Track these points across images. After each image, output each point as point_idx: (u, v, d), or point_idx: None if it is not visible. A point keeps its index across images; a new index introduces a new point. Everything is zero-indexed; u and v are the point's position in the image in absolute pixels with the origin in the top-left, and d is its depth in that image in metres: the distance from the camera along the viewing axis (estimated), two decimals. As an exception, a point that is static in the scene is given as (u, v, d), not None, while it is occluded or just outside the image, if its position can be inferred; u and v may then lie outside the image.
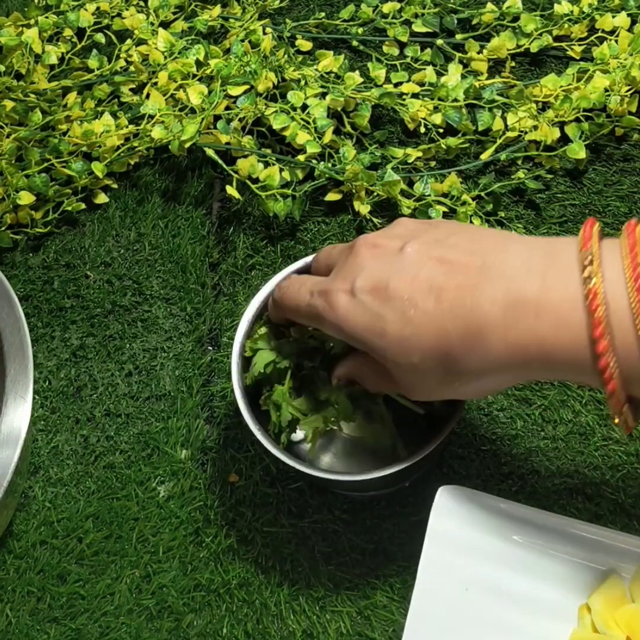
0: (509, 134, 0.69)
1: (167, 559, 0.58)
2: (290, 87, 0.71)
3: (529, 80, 0.73)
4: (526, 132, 0.69)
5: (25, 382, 0.56)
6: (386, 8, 0.76)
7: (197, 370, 0.64)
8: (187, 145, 0.67)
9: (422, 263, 0.44)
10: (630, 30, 0.72)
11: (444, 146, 0.69)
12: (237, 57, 0.70)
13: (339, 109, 0.71)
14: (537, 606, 0.50)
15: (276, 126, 0.69)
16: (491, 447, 0.59)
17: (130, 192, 0.71)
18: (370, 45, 0.76)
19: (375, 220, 0.67)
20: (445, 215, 0.66)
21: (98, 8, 0.78)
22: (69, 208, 0.69)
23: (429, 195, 0.67)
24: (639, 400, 0.42)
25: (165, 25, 0.76)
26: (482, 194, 0.67)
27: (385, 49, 0.76)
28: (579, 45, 0.73)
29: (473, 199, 0.66)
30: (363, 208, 0.67)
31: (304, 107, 0.70)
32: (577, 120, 0.69)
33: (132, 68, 0.73)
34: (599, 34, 0.73)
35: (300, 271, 0.55)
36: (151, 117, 0.69)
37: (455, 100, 0.70)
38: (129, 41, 0.75)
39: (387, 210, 0.68)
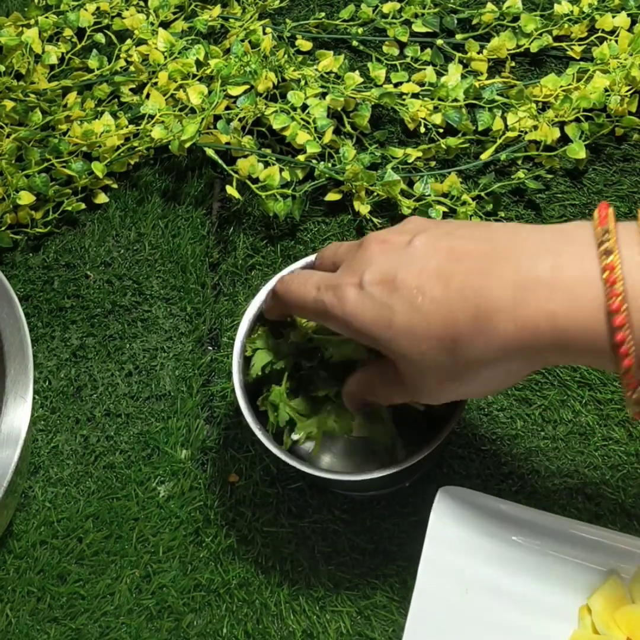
0: (509, 134, 0.69)
1: (167, 559, 0.58)
2: (290, 87, 0.71)
3: (529, 80, 0.73)
4: (526, 132, 0.69)
5: (25, 382, 0.56)
6: (386, 8, 0.76)
7: (197, 370, 0.64)
8: (187, 145, 0.67)
9: (431, 254, 0.44)
10: (630, 30, 0.72)
11: (444, 146, 0.69)
12: (237, 57, 0.70)
13: (339, 109, 0.71)
14: (537, 607, 0.51)
15: (276, 126, 0.69)
16: (491, 447, 0.59)
17: (130, 192, 0.71)
18: (370, 45, 0.76)
19: (375, 220, 0.67)
20: (445, 215, 0.66)
21: (98, 8, 0.78)
22: (69, 208, 0.69)
23: (429, 195, 0.67)
24: None
25: (165, 25, 0.76)
26: (482, 194, 0.67)
27: (385, 49, 0.76)
28: (579, 45, 0.73)
29: (473, 199, 0.66)
30: (363, 208, 0.67)
31: (304, 107, 0.70)
32: (577, 120, 0.69)
33: (132, 68, 0.73)
34: (599, 34, 0.73)
35: None
36: (151, 117, 0.69)
37: (455, 100, 0.70)
38: (129, 41, 0.75)
39: (387, 210, 0.68)
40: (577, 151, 0.67)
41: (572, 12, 0.73)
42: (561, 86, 0.70)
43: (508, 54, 0.73)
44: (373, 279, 0.44)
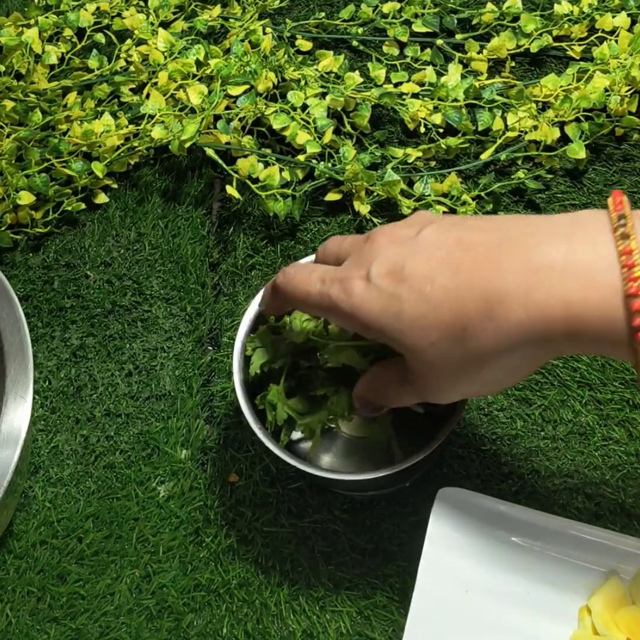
0: (509, 134, 0.69)
1: (167, 559, 0.58)
2: (290, 87, 0.71)
3: (529, 80, 0.73)
4: (526, 132, 0.69)
5: (25, 382, 0.56)
6: (386, 8, 0.76)
7: (197, 370, 0.64)
8: (187, 145, 0.67)
9: (440, 244, 0.43)
10: (630, 30, 0.72)
11: (444, 146, 0.69)
12: (237, 57, 0.70)
13: (339, 109, 0.71)
14: (537, 608, 0.51)
15: (276, 126, 0.69)
16: (491, 447, 0.59)
17: (130, 192, 0.71)
18: (370, 45, 0.76)
19: (375, 220, 0.67)
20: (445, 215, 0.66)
21: (98, 8, 0.78)
22: (69, 208, 0.69)
23: (429, 195, 0.67)
24: None
25: (165, 25, 0.76)
26: (482, 194, 0.67)
27: (385, 49, 0.76)
28: (579, 45, 0.73)
29: (473, 199, 0.66)
30: (363, 208, 0.67)
31: (304, 107, 0.70)
32: (577, 120, 0.69)
33: (132, 68, 0.73)
34: (599, 34, 0.73)
35: None
36: (151, 117, 0.69)
37: (455, 100, 0.70)
38: (129, 41, 0.75)
39: (387, 210, 0.68)
40: (577, 151, 0.67)
41: (572, 12, 0.73)
42: (561, 86, 0.70)
43: (508, 54, 0.73)
44: (381, 271, 0.43)
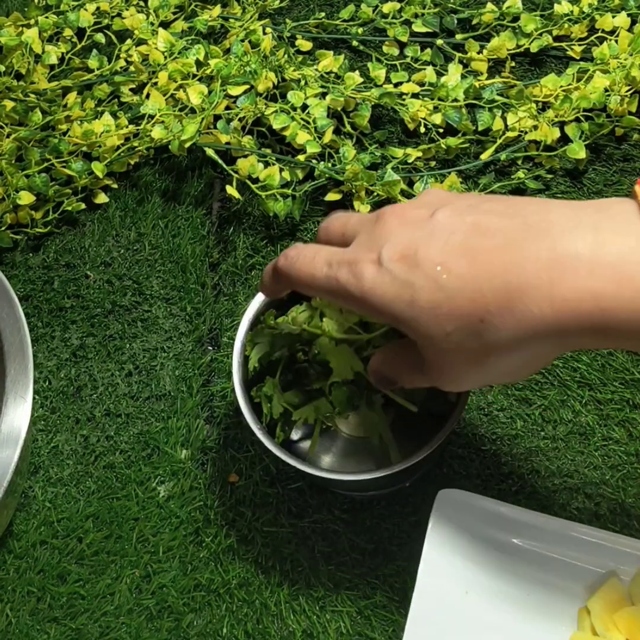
0: (509, 134, 0.69)
1: (167, 559, 0.58)
2: (290, 87, 0.71)
3: (529, 80, 0.73)
4: (526, 132, 0.69)
5: (25, 382, 0.56)
6: (386, 8, 0.76)
7: (197, 370, 0.64)
8: (187, 145, 0.67)
9: (455, 228, 0.41)
10: (630, 30, 0.72)
11: (444, 146, 0.69)
12: (237, 57, 0.70)
13: (339, 109, 0.71)
14: (537, 609, 0.51)
15: (276, 126, 0.69)
16: (491, 447, 0.59)
17: (130, 192, 0.71)
18: (370, 45, 0.76)
19: (375, 220, 0.67)
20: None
21: (98, 8, 0.78)
22: (69, 208, 0.69)
23: (429, 195, 0.67)
24: None
25: (165, 25, 0.76)
26: (482, 194, 0.67)
27: (385, 49, 0.76)
28: (579, 45, 0.73)
29: (473, 199, 0.66)
30: (363, 208, 0.67)
31: (304, 107, 0.70)
32: (577, 120, 0.69)
33: (132, 68, 0.73)
34: (599, 34, 0.73)
35: None
36: (151, 117, 0.69)
37: (455, 100, 0.70)
38: (129, 41, 0.75)
39: (387, 210, 0.68)
40: (577, 151, 0.67)
41: (572, 12, 0.73)
42: (561, 86, 0.70)
43: (508, 54, 0.73)
44: (392, 254, 0.41)
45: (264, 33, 0.74)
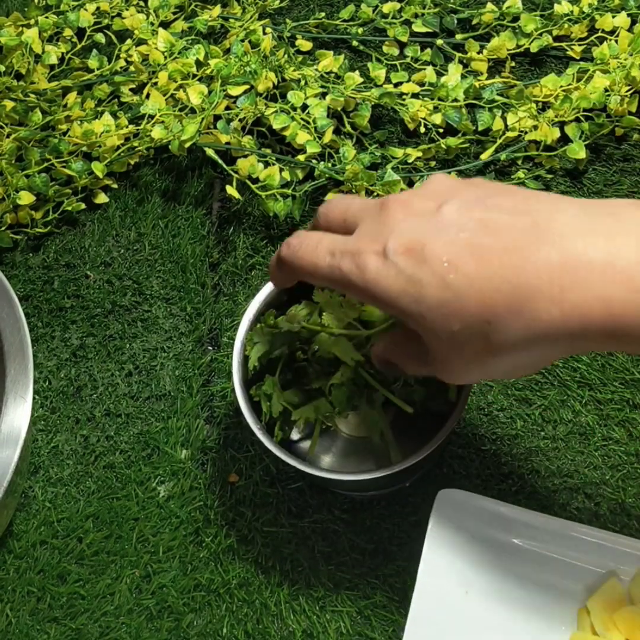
0: (509, 134, 0.69)
1: (167, 559, 0.58)
2: (290, 87, 0.71)
3: (529, 80, 0.73)
4: (526, 132, 0.69)
5: (25, 382, 0.56)
6: (386, 8, 0.76)
7: (197, 370, 0.64)
8: (187, 145, 0.67)
9: (462, 224, 0.40)
10: (630, 30, 0.72)
11: (444, 146, 0.69)
12: (237, 57, 0.70)
13: (339, 109, 0.71)
14: (537, 609, 0.51)
15: (276, 126, 0.69)
16: (491, 447, 0.59)
17: (130, 192, 0.71)
18: (370, 45, 0.76)
19: (375, 220, 0.67)
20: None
21: (98, 8, 0.78)
22: (69, 208, 0.69)
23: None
24: None
25: (165, 25, 0.76)
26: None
27: (385, 49, 0.76)
28: (579, 45, 0.73)
29: (473, 199, 0.66)
30: (363, 208, 0.67)
31: (304, 107, 0.70)
32: (577, 120, 0.69)
33: (132, 68, 0.73)
34: (599, 34, 0.73)
35: None
36: (151, 117, 0.69)
37: (455, 100, 0.70)
38: (129, 41, 0.75)
39: (387, 210, 0.68)
40: (577, 151, 0.67)
41: (572, 12, 0.73)
42: (561, 86, 0.70)
43: (508, 54, 0.73)
44: (398, 247, 0.41)
45: (264, 33, 0.74)
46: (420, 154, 0.69)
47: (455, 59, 0.74)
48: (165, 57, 0.72)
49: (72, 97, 0.72)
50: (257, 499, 0.59)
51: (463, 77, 0.71)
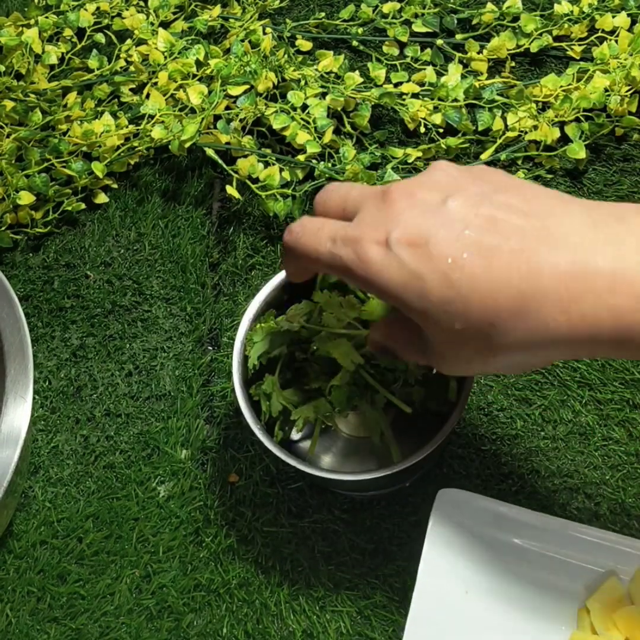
0: (509, 134, 0.69)
1: (167, 559, 0.58)
2: (290, 87, 0.71)
3: (529, 80, 0.73)
4: (526, 132, 0.69)
5: (25, 382, 0.56)
6: (386, 8, 0.76)
7: (197, 370, 0.64)
8: (187, 145, 0.67)
9: (468, 220, 0.39)
10: (630, 30, 0.72)
11: (444, 146, 0.69)
12: (237, 57, 0.70)
13: (339, 109, 0.71)
14: (537, 608, 0.51)
15: (276, 126, 0.69)
16: (491, 447, 0.59)
17: (130, 192, 0.71)
18: (370, 45, 0.76)
19: (375, 220, 0.67)
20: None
21: (98, 8, 0.78)
22: (69, 208, 0.69)
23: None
24: None
25: (165, 25, 0.76)
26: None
27: (385, 49, 0.76)
28: (579, 45, 0.73)
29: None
30: (363, 208, 0.67)
31: (304, 107, 0.70)
32: (577, 120, 0.69)
33: (132, 68, 0.73)
34: (599, 34, 0.73)
35: None
36: (151, 117, 0.69)
37: (455, 100, 0.70)
38: (129, 41, 0.75)
39: (387, 210, 0.68)
40: (577, 151, 0.67)
41: (572, 12, 0.73)
42: (561, 86, 0.70)
43: (508, 54, 0.73)
44: (401, 238, 0.40)
45: (264, 33, 0.74)
46: (420, 154, 0.69)
47: (455, 59, 0.74)
48: (165, 57, 0.72)
49: (72, 97, 0.72)
50: (257, 499, 0.59)
51: (463, 77, 0.71)
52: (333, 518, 0.58)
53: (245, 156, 0.68)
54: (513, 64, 0.74)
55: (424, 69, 0.73)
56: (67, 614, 0.57)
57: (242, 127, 0.70)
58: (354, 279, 0.42)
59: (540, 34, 0.73)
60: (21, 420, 0.54)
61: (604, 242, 0.38)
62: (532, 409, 0.60)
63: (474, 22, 0.75)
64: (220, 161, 0.67)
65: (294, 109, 0.70)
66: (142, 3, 0.78)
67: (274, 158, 0.68)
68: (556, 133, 0.68)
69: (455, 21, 0.76)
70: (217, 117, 0.70)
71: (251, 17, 0.75)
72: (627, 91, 0.68)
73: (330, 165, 0.68)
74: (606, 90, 0.68)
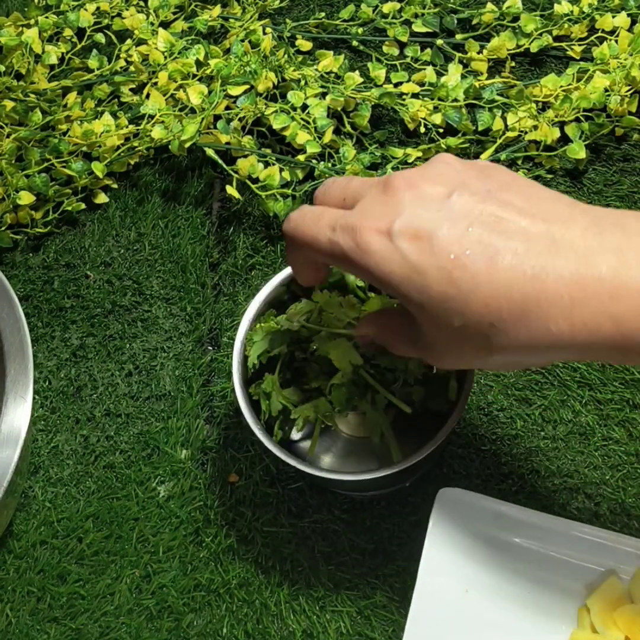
0: (509, 134, 0.69)
1: (167, 559, 0.58)
2: (290, 87, 0.71)
3: (529, 80, 0.73)
4: (526, 132, 0.69)
5: (25, 382, 0.56)
6: (386, 8, 0.76)
7: (197, 370, 0.64)
8: (187, 145, 0.67)
9: (473, 217, 0.39)
10: (630, 30, 0.72)
11: (444, 146, 0.69)
12: (237, 57, 0.70)
13: (339, 109, 0.71)
14: (537, 607, 0.51)
15: (276, 126, 0.69)
16: (491, 447, 0.59)
17: (130, 192, 0.71)
18: (370, 45, 0.76)
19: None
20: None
21: (98, 8, 0.78)
22: (69, 208, 0.69)
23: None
24: None
25: (165, 25, 0.76)
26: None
27: (385, 49, 0.76)
28: (579, 45, 0.73)
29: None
30: (363, 208, 0.67)
31: (304, 107, 0.70)
32: (577, 120, 0.69)
33: (132, 68, 0.73)
34: (599, 34, 0.73)
35: None
36: (151, 117, 0.69)
37: (455, 100, 0.70)
38: (129, 41, 0.75)
39: (387, 210, 0.68)
40: (577, 151, 0.67)
41: (572, 12, 0.73)
42: (561, 86, 0.70)
43: (508, 54, 0.73)
44: (404, 230, 0.39)
45: (264, 33, 0.74)
46: (420, 154, 0.69)
47: (455, 59, 0.74)
48: (165, 57, 0.72)
49: (72, 97, 0.72)
50: (257, 499, 0.59)
51: (463, 77, 0.71)
52: (333, 518, 0.58)
53: (245, 156, 0.68)
54: (513, 64, 0.74)
55: (424, 69, 0.73)
56: (67, 614, 0.57)
57: (242, 127, 0.70)
58: (353, 267, 0.41)
59: (540, 34, 0.74)
60: (21, 420, 0.54)
61: (606, 250, 0.38)
62: (532, 409, 0.60)
63: (474, 22, 0.75)
64: (220, 161, 0.67)
65: (294, 109, 0.70)
66: (142, 3, 0.78)
67: (274, 158, 0.68)
68: (556, 133, 0.68)
69: (455, 21, 0.76)
70: (217, 117, 0.70)
71: (251, 17, 0.75)
72: (627, 91, 0.68)
73: (330, 165, 0.68)
74: (606, 90, 0.68)
